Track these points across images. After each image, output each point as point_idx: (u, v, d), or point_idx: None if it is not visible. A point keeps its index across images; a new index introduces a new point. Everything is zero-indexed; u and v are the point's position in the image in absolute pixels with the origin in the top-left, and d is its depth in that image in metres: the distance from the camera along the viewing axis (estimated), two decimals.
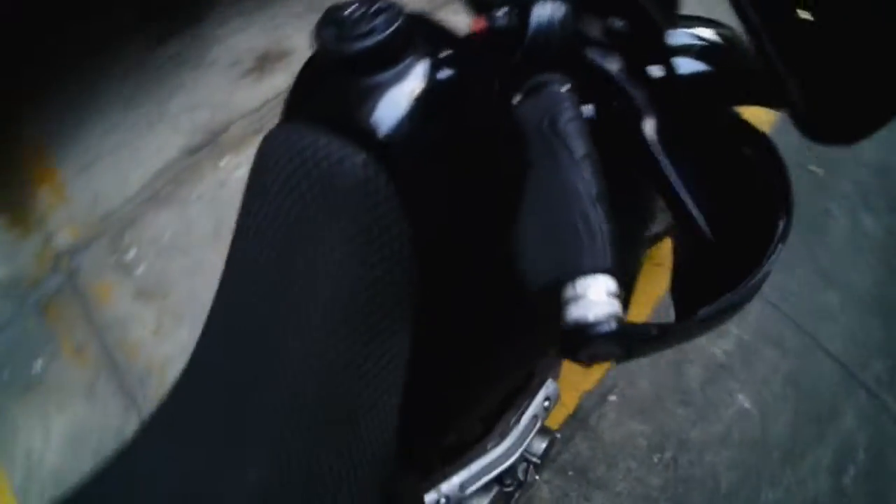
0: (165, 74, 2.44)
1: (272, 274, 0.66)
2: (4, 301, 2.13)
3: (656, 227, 1.28)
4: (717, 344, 1.59)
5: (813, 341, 1.57)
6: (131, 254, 2.06)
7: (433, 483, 0.98)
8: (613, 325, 0.45)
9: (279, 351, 0.66)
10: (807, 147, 1.61)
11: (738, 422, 1.52)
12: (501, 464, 1.04)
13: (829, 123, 0.62)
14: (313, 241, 0.63)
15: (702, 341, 1.59)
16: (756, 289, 0.59)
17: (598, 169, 0.51)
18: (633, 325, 0.48)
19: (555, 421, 1.55)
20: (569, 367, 1.62)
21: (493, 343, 0.79)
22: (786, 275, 1.64)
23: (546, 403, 1.09)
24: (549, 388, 1.10)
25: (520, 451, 1.06)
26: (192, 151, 2.24)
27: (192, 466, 0.70)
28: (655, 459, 1.50)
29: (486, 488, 1.06)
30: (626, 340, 0.47)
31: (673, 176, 0.62)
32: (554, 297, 0.47)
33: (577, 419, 1.55)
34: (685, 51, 0.69)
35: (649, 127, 0.63)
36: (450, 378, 0.79)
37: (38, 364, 2.00)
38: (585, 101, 0.59)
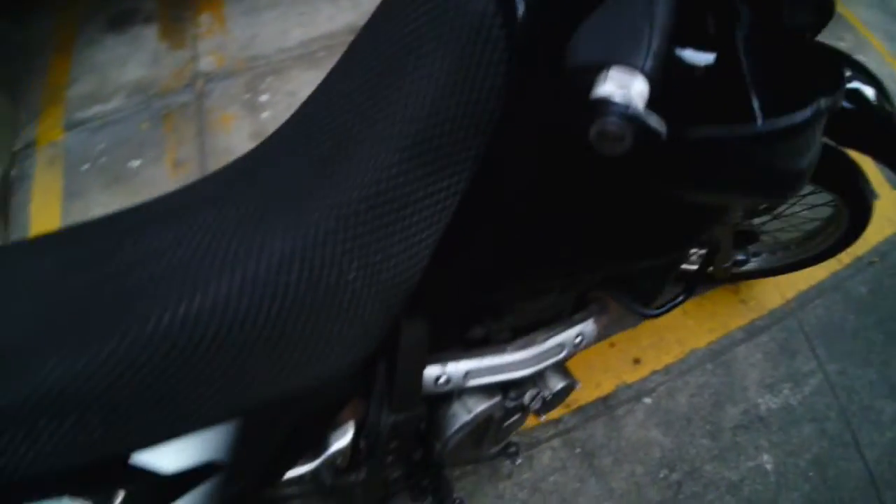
0: None
1: (374, 78, 0.74)
2: (131, 98, 2.27)
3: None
4: (764, 396, 1.59)
5: (853, 438, 1.55)
6: (264, 98, 2.16)
7: (441, 360, 0.96)
8: (630, 109, 0.51)
9: (353, 146, 0.73)
10: None
11: (754, 478, 1.51)
12: (512, 371, 1.01)
13: None
14: (419, 58, 0.70)
15: (751, 390, 1.59)
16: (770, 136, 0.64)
17: (674, 7, 0.57)
18: (649, 117, 0.53)
19: (586, 396, 1.58)
20: (618, 357, 1.65)
21: (539, 232, 0.81)
22: (856, 368, 1.64)
23: (578, 339, 1.06)
24: (586, 326, 1.07)
25: (534, 368, 1.03)
26: (356, 30, 2.34)
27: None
28: (662, 475, 1.51)
29: (489, 392, 1.03)
30: (637, 128, 0.52)
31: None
32: (590, 76, 0.53)
33: (607, 405, 1.57)
34: None
35: None
36: (487, 249, 0.81)
37: (137, 163, 2.12)
38: None
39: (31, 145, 2.17)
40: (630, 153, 0.54)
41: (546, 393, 1.07)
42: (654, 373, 1.63)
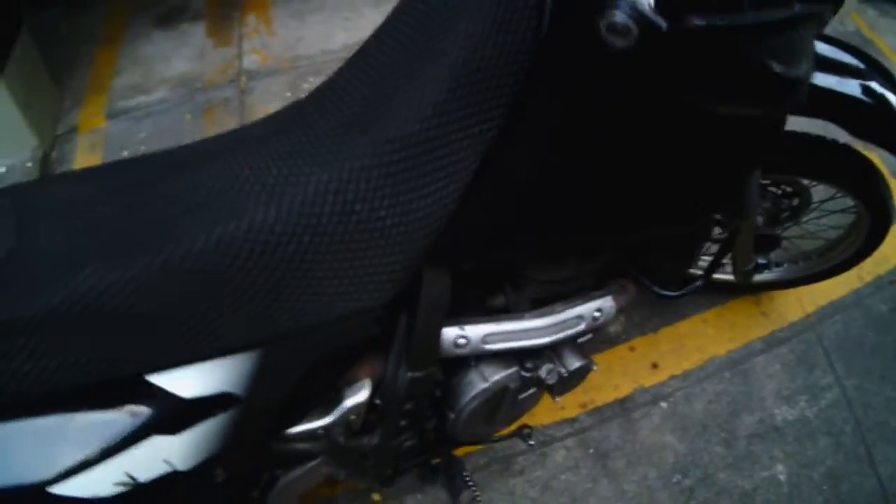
0: None
1: (410, 33, 0.81)
2: (175, 90, 2.35)
3: None
4: (781, 407, 1.60)
5: (867, 453, 1.56)
6: None
7: (461, 322, 0.98)
8: (635, 3, 0.64)
9: (392, 91, 0.79)
10: None
11: (767, 488, 1.52)
12: (529, 338, 1.03)
13: None
14: (455, 8, 0.76)
15: (768, 400, 1.61)
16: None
17: None
18: (651, 11, 0.65)
19: (603, 397, 1.61)
20: (637, 361, 1.68)
21: (561, 186, 0.85)
22: (874, 384, 1.65)
23: (597, 313, 1.09)
24: (605, 301, 1.10)
25: (552, 337, 1.05)
26: None
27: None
28: (675, 479, 1.53)
29: (506, 362, 1.06)
30: (641, 19, 0.64)
31: None
32: None
33: (624, 407, 1.60)
34: None
35: None
36: (511, 201, 0.85)
37: None
38: None
39: (73, 130, 2.25)
40: (637, 48, 0.66)
41: (562, 370, 1.10)
42: (673, 378, 1.65)
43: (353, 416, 0.98)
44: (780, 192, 1.50)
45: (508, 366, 1.06)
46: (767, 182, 1.48)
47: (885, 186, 1.40)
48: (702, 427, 1.58)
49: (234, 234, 0.70)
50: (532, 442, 1.29)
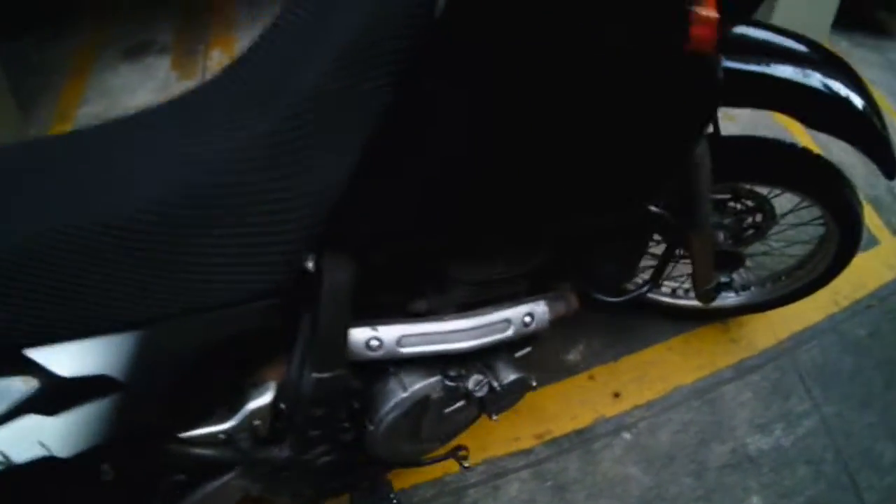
0: None
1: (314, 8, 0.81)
2: None
3: None
4: (754, 436, 1.48)
5: (851, 482, 1.43)
6: None
7: (374, 322, 0.91)
8: None
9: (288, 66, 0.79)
10: None
11: None
12: (450, 342, 0.94)
13: None
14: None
15: (739, 429, 1.49)
16: None
17: None
18: None
19: (561, 428, 1.49)
20: (597, 390, 1.57)
21: (471, 165, 0.81)
22: (854, 411, 1.53)
23: (527, 319, 1.00)
24: (538, 306, 1.01)
25: (476, 342, 0.96)
26: None
27: None
28: None
29: (428, 370, 0.97)
30: None
31: None
32: None
33: (583, 437, 1.48)
34: None
35: None
36: (414, 180, 0.81)
37: None
38: None
39: None
40: None
41: (494, 382, 0.99)
42: (636, 408, 1.54)
43: (257, 422, 0.90)
44: (740, 206, 1.43)
45: (431, 374, 0.96)
46: (728, 197, 1.41)
47: (852, 192, 1.33)
48: (668, 458, 1.46)
49: (117, 209, 0.70)
50: (467, 464, 1.17)
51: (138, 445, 0.85)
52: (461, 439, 1.20)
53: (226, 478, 0.97)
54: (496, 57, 0.73)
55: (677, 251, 1.43)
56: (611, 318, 1.70)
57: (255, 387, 0.91)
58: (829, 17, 2.49)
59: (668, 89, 0.79)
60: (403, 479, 1.37)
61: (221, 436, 0.90)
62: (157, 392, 0.80)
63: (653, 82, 0.78)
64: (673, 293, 1.66)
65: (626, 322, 1.69)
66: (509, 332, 0.98)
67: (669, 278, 1.62)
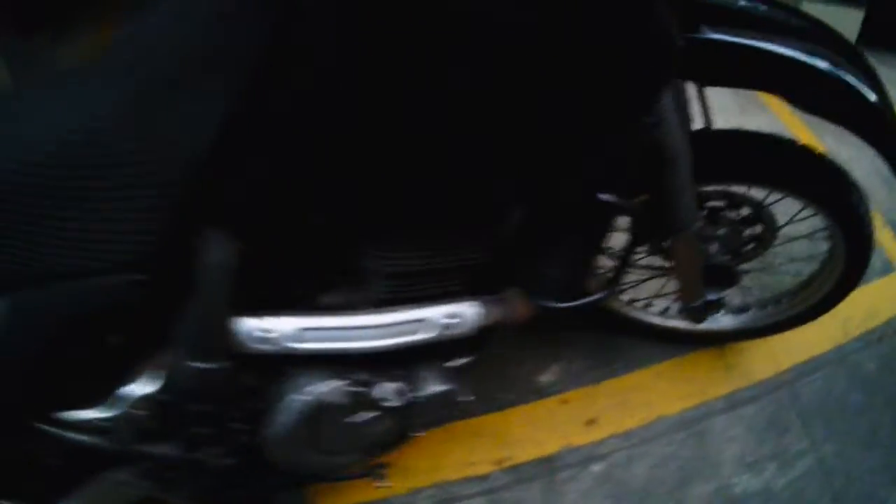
0: None
1: None
2: None
3: None
4: (742, 476, 1.31)
5: None
6: None
7: (260, 311, 0.82)
8: None
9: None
10: None
11: None
12: (354, 340, 0.84)
13: None
14: None
15: (726, 467, 1.33)
16: None
17: None
18: None
19: (524, 454, 1.34)
20: (569, 415, 1.43)
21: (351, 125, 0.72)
22: (857, 452, 1.35)
23: (451, 320, 0.88)
24: (464, 307, 0.89)
25: (383, 341, 0.86)
26: None
27: None
28: None
29: (328, 371, 0.86)
30: None
31: None
32: None
33: (548, 466, 1.33)
34: None
35: None
36: (287, 147, 0.73)
37: None
38: None
39: None
40: None
41: (415, 393, 0.87)
42: (612, 437, 1.38)
43: (138, 412, 0.83)
44: (735, 215, 1.29)
45: (330, 377, 0.85)
46: (722, 205, 1.28)
47: (859, 196, 1.18)
48: (643, 495, 1.30)
49: None
50: (384, 483, 1.04)
51: (4, 419, 0.79)
52: (412, 458, 1.09)
53: (112, 472, 0.90)
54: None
55: (665, 263, 1.30)
56: (597, 338, 1.56)
57: (141, 375, 0.83)
58: (853, 35, 2.38)
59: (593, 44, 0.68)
60: (340, 498, 1.24)
61: (101, 423, 0.83)
62: (20, 365, 0.74)
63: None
64: (664, 313, 1.52)
65: (614, 342, 1.55)
66: (427, 334, 0.86)
67: (660, 296, 1.48)
